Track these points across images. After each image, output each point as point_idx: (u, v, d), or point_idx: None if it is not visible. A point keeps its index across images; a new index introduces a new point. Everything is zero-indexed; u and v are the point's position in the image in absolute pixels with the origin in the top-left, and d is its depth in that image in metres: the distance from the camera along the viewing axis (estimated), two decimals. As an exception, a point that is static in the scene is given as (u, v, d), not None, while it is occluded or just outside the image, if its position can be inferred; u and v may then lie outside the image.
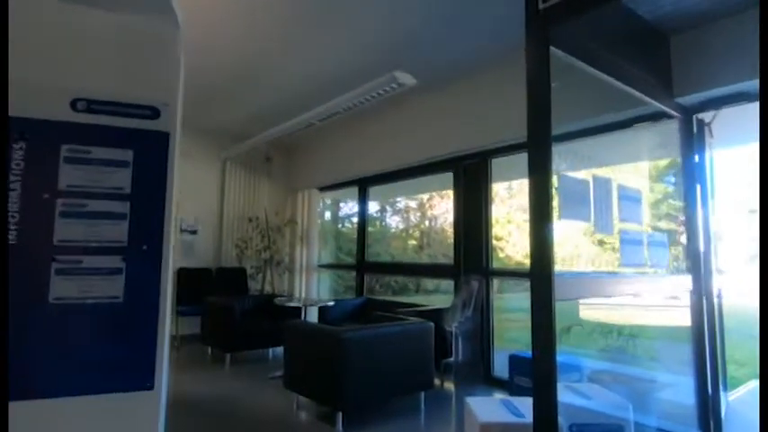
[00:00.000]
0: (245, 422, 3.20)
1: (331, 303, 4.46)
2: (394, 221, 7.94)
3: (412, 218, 7.80)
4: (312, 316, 5.79)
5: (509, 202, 5.09)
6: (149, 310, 1.36)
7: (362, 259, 5.80)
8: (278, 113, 4.73)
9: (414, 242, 7.53)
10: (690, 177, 2.67)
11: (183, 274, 5.94)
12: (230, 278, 6.20)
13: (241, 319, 4.77)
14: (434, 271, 4.89)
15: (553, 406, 1.51)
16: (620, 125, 3.16)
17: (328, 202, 7.75)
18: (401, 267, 5.50)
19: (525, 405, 2.19)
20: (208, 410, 3.40)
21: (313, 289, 6.52)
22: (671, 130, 2.83)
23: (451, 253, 4.57)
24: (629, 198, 2.32)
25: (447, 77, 4.21)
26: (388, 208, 7.88)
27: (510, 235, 4.97)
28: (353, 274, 5.92)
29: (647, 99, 2.51)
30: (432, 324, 3.40)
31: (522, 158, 4.28)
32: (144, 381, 1.33)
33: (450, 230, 7.14)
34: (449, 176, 4.68)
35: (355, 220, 6.22)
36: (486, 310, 4.05)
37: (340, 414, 2.95)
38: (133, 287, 1.36)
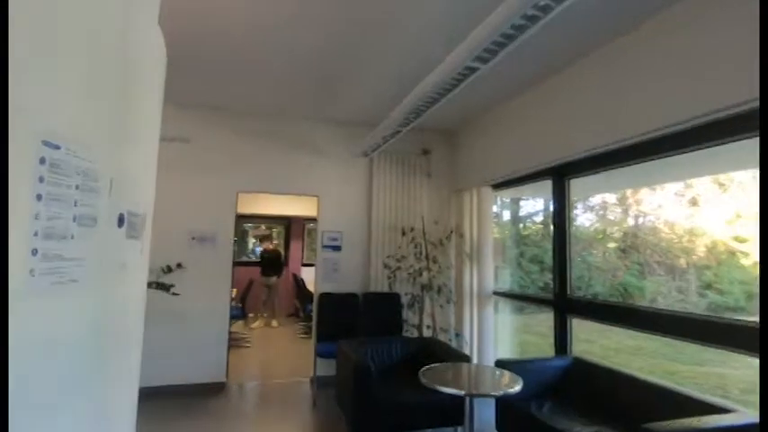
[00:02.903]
0: None
1: (516, 389, 2.58)
2: (587, 220, 5.67)
3: (610, 215, 5.45)
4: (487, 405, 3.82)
5: None
6: None
7: (563, 292, 3.73)
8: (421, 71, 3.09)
9: (613, 245, 5.22)
10: None
11: (324, 301, 4.79)
12: (381, 307, 4.81)
13: (381, 385, 3.26)
14: (721, 335, 2.43)
15: None
16: None
17: (506, 200, 5.81)
18: (642, 316, 3.17)
19: None
20: None
21: (488, 326, 4.68)
22: None
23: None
24: None
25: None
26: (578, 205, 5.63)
27: None
28: (550, 308, 3.89)
29: None
30: None
31: None
32: None
33: (666, 232, 4.55)
34: (736, 150, 2.34)
35: (537, 221, 4.17)
36: None
37: None
38: None
